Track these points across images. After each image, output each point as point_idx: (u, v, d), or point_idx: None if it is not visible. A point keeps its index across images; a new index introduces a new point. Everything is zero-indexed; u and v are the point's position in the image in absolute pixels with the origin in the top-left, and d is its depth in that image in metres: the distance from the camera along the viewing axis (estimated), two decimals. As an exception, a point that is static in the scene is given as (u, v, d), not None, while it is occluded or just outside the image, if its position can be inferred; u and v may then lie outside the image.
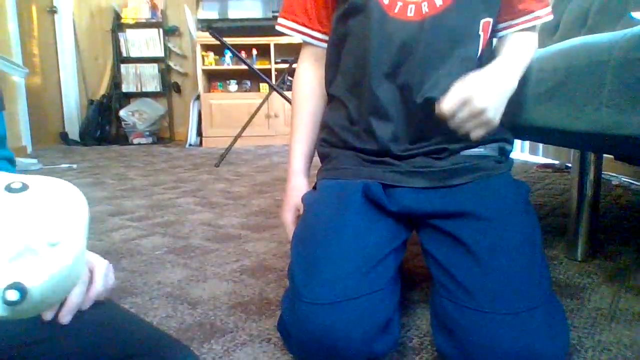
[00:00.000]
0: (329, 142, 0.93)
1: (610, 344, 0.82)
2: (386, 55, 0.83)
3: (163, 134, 4.80)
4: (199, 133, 4.30)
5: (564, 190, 2.06)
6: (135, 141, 4.52)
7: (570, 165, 2.56)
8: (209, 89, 4.40)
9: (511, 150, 0.92)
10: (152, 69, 4.64)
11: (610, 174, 2.29)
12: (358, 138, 0.88)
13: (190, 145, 4.27)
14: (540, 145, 2.94)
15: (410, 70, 0.82)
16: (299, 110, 0.98)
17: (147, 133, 4.57)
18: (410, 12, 0.82)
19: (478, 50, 0.86)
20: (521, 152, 3.16)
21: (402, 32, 0.82)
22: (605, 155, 1.24)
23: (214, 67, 4.26)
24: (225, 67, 4.28)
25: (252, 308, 0.95)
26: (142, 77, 4.65)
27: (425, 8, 0.81)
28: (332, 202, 0.83)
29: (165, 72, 4.68)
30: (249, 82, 4.42)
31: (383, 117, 0.85)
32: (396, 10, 0.82)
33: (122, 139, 4.59)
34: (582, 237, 1.22)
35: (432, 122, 0.80)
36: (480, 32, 0.85)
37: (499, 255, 0.73)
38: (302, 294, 0.71)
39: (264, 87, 4.26)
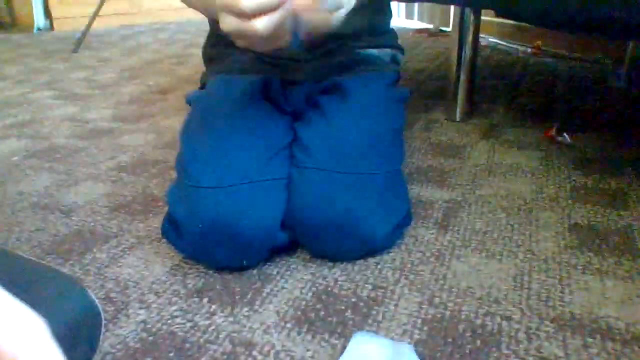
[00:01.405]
0: (222, 41, 0.86)
1: (489, 196, 0.89)
2: None
3: (1, 18, 4.09)
4: (48, 14, 3.72)
5: (440, 54, 2.11)
6: (-33, 28, 3.81)
7: (444, 29, 2.62)
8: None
9: (402, 61, 0.96)
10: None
11: (480, 35, 2.38)
12: None
13: (38, 29, 3.70)
14: (416, 8, 2.94)
15: None
16: None
17: (-20, 18, 3.86)
18: None
19: None
20: (397, 16, 3.15)
21: None
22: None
23: None
24: None
25: (136, 208, 0.88)
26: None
27: None
28: (229, 93, 0.78)
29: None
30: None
31: None
32: None
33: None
34: (461, 98, 1.26)
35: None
36: None
37: (350, 121, 0.74)
38: (200, 180, 0.66)
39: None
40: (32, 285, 0.47)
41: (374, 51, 0.87)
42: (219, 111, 0.75)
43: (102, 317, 0.51)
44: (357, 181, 0.68)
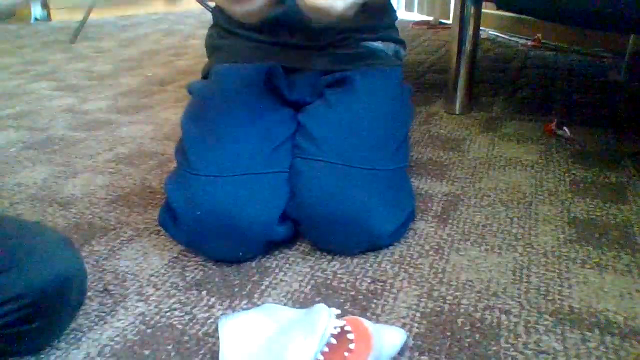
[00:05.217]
0: (226, 30, 0.85)
1: (489, 190, 0.88)
2: None
3: (-2, 8, 4.06)
4: (45, 4, 3.69)
5: (439, 47, 2.10)
6: (-36, 18, 3.79)
7: (444, 21, 2.60)
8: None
9: (405, 56, 0.96)
10: None
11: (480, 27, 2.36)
12: (259, 27, 0.81)
13: (36, 19, 3.67)
14: (415, 0, 2.93)
15: None
16: None
17: (-23, 7, 3.83)
18: None
19: None
20: (397, 8, 3.13)
21: None
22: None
23: None
24: None
25: (134, 200, 0.88)
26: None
27: None
28: (231, 83, 0.77)
29: None
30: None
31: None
32: None
33: (-55, 16, 3.81)
34: (461, 91, 1.25)
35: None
36: None
37: (360, 115, 0.73)
38: (199, 169, 0.65)
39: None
40: (28, 240, 0.52)
41: (379, 45, 0.86)
42: (221, 100, 0.74)
43: (86, 271, 0.56)
44: (367, 176, 0.67)
